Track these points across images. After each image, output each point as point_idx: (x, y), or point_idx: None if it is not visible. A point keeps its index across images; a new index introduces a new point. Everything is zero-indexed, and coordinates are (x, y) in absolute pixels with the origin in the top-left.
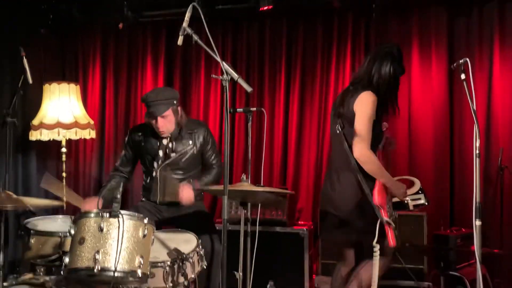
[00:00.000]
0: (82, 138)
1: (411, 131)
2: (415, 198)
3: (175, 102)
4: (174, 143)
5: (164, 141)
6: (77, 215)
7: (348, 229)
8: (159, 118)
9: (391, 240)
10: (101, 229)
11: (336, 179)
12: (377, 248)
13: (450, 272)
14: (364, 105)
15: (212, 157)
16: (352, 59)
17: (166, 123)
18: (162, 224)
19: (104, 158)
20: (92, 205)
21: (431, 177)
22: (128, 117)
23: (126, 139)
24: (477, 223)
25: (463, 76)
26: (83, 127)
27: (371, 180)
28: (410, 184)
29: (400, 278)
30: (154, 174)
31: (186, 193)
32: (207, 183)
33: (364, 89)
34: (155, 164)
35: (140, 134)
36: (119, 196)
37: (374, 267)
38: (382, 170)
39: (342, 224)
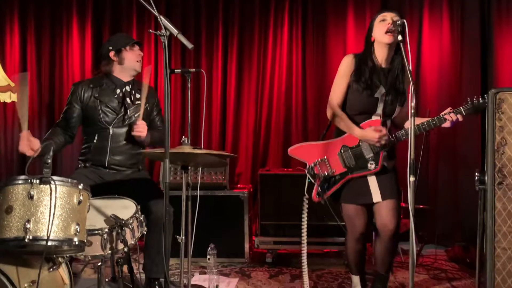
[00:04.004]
0: (2, 101)
1: None
2: None
3: None
4: (128, 97)
5: (120, 94)
6: (1, 182)
7: None
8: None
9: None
10: (31, 197)
11: None
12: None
13: None
14: None
15: (157, 118)
16: (289, 20)
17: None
18: (104, 189)
19: (28, 122)
20: (33, 144)
21: None
22: (53, 77)
23: (71, 94)
24: (411, 179)
25: (400, 38)
26: (3, 89)
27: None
28: None
29: (336, 235)
30: (107, 130)
31: (142, 127)
32: (155, 138)
33: None
34: (110, 119)
35: (91, 87)
36: (49, 161)
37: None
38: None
39: None
